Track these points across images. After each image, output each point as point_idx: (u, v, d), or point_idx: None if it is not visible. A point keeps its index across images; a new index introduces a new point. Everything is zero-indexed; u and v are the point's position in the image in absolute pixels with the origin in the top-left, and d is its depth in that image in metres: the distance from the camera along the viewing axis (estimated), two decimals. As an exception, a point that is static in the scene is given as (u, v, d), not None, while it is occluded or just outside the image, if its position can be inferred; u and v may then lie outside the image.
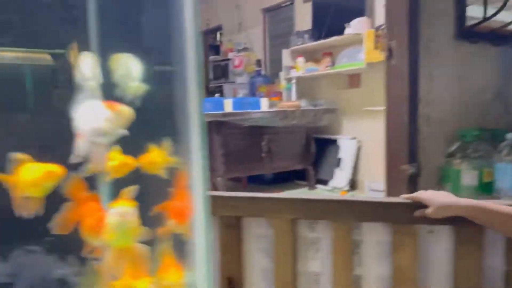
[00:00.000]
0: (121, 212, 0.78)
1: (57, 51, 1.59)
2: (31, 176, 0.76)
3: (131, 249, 0.79)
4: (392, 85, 2.00)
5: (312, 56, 5.08)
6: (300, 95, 5.12)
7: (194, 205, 0.85)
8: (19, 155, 0.78)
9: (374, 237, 1.23)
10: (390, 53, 1.98)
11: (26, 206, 0.77)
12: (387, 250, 1.23)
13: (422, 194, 1.20)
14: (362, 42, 4.27)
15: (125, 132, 0.80)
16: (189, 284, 0.90)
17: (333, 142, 4.87)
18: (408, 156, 1.93)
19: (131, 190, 0.80)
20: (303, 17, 5.22)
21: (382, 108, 3.51)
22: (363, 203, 1.24)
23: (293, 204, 1.27)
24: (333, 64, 4.77)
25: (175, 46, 0.86)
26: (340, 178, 4.70)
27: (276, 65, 5.68)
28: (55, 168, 0.78)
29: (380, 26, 4.18)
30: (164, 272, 0.89)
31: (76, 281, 0.81)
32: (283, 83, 5.32)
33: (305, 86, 5.19)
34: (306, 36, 5.02)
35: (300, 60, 5.05)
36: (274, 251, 1.31)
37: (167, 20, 0.87)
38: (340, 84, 4.84)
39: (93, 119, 0.78)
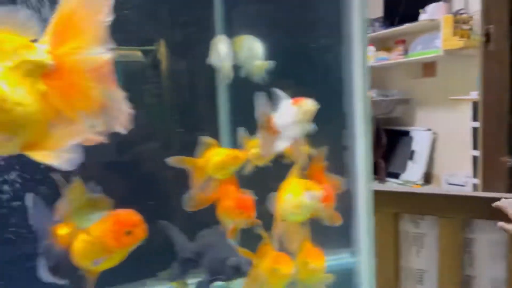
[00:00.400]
0: (314, 196, 0.83)
1: (147, 47, 1.63)
2: (219, 159, 0.82)
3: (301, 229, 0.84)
4: (489, 72, 1.86)
5: (383, 45, 4.90)
6: (370, 86, 4.96)
7: (357, 193, 0.85)
8: (208, 140, 0.83)
9: (487, 236, 1.14)
10: (487, 38, 1.84)
11: (207, 187, 0.82)
12: (502, 251, 1.13)
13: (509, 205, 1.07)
14: (439, 29, 4.05)
15: (311, 126, 0.83)
16: (349, 267, 0.91)
17: (406, 134, 4.69)
18: (508, 147, 1.80)
19: (297, 169, 0.87)
20: (374, 4, 5.03)
21: (463, 97, 3.31)
22: (475, 198, 1.16)
23: (397, 197, 1.21)
24: (406, 52, 4.57)
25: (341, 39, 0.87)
26: (412, 171, 4.51)
27: (343, 55, 5.54)
28: (240, 154, 0.84)
29: (459, 10, 3.95)
30: (306, 256, 0.90)
31: (248, 270, 0.82)
32: (351, 73, 5.18)
33: (376, 76, 5.02)
34: (377, 24, 4.84)
35: (371, 49, 4.88)
36: (375, 246, 1.25)
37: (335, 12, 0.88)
38: (413, 73, 4.63)
39: (285, 115, 0.82)
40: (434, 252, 1.20)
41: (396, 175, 4.66)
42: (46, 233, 0.74)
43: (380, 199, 1.24)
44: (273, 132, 0.80)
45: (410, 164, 4.56)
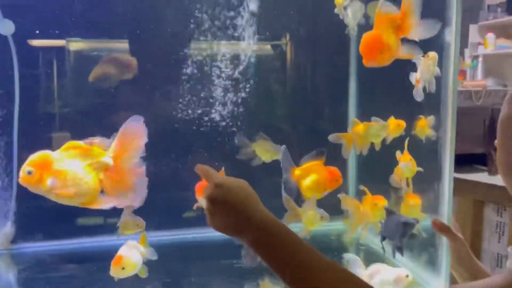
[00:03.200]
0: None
1: (275, 42, 1.94)
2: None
3: None
4: None
5: (504, 32, 4.66)
6: (486, 74, 4.77)
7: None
8: (355, 120, 1.41)
9: None
10: None
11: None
12: None
13: None
14: None
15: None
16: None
17: (523, 126, 4.46)
18: None
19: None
20: (497, -11, 4.79)
21: None
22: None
23: (477, 187, 1.35)
24: (529, 40, 4.33)
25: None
26: (528, 165, 4.31)
27: (461, 41, 5.34)
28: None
29: None
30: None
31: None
32: (468, 61, 5.01)
33: (494, 65, 4.81)
34: (499, 9, 4.61)
35: (490, 36, 4.68)
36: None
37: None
38: (536, 63, 4.37)
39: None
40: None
41: (508, 169, 4.48)
42: (288, 171, 1.29)
43: (462, 186, 1.40)
44: None
45: (525, 158, 4.35)
